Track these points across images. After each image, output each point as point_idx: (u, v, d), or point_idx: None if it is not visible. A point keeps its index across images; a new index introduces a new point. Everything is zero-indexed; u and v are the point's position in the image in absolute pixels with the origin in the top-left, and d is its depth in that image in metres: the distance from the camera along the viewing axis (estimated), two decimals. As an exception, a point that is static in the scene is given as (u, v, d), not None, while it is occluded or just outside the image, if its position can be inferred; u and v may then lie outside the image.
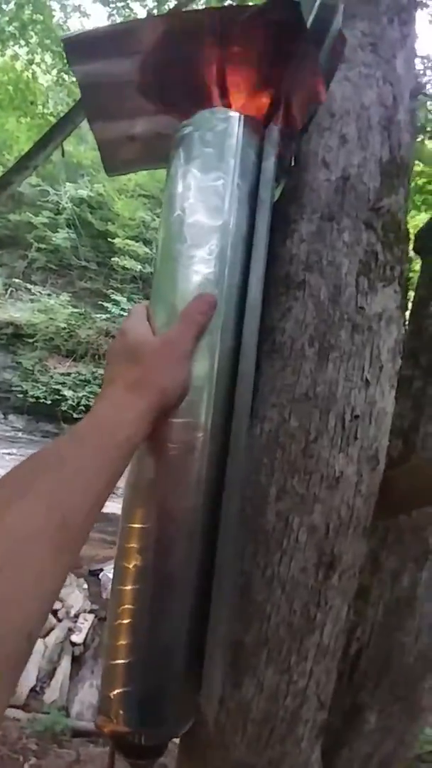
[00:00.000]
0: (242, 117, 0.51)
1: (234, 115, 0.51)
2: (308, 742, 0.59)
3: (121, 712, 0.48)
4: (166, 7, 5.09)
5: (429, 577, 0.81)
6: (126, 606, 0.47)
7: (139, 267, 8.41)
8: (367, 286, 0.52)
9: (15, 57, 5.44)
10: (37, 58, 5.32)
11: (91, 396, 7.77)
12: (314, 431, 0.49)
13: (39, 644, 3.24)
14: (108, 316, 8.12)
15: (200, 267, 0.47)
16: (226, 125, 0.51)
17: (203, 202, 0.48)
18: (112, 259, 8.60)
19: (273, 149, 0.50)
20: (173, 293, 0.47)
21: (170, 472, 0.45)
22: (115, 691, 0.48)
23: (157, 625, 0.46)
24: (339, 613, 0.51)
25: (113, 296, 8.22)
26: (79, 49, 0.57)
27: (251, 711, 0.51)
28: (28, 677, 2.94)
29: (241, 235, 0.50)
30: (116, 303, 8.12)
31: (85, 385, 7.89)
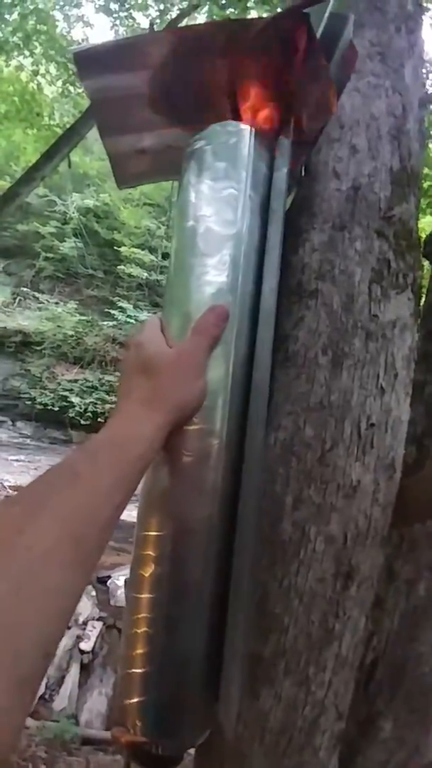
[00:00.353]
0: (253, 130, 0.52)
1: (245, 128, 0.52)
2: (326, 752, 0.58)
3: (138, 722, 0.48)
4: (168, 16, 5.17)
5: (443, 587, 0.80)
6: (142, 615, 0.47)
7: (145, 274, 8.49)
8: (380, 294, 0.52)
9: (20, 68, 5.54)
10: (42, 69, 5.42)
11: (98, 402, 7.81)
12: (330, 440, 0.49)
13: (48, 652, 3.23)
14: (115, 323, 8.18)
15: (214, 276, 0.48)
16: (237, 138, 0.51)
17: (216, 213, 0.49)
18: (119, 267, 8.68)
19: (284, 161, 0.50)
20: (187, 302, 0.48)
21: (185, 480, 0.45)
22: (132, 701, 0.48)
23: (174, 634, 0.46)
24: (357, 624, 0.51)
25: (120, 303, 8.29)
26: (89, 63, 0.58)
27: (269, 721, 0.50)
28: (38, 685, 2.93)
29: (254, 244, 0.50)
30: (123, 310, 8.18)
31: (92, 392, 7.93)
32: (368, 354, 0.51)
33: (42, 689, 3.00)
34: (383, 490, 0.50)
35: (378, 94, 0.58)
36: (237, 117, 0.55)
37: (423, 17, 0.75)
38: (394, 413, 0.52)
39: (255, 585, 0.48)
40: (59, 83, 5.55)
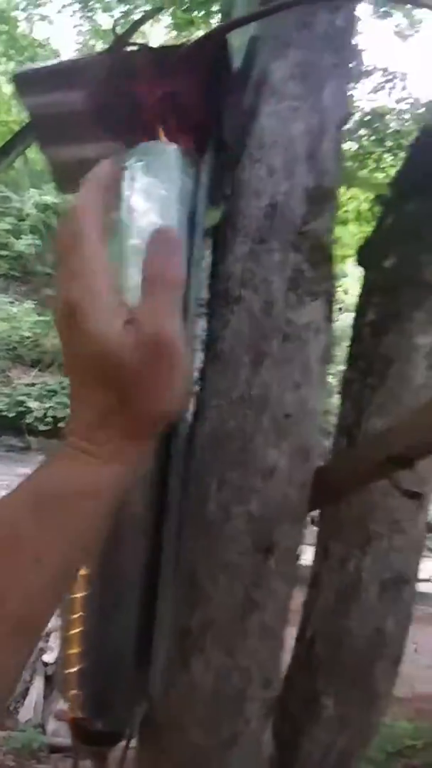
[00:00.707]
0: (179, 149, 0.57)
1: (172, 146, 0.57)
2: (258, 722, 0.64)
3: (77, 698, 0.51)
4: (132, 18, 5.15)
5: (372, 563, 0.89)
6: (77, 614, 0.50)
7: (107, 274, 8.36)
8: (295, 301, 0.59)
9: (-22, 66, 5.34)
10: (1, 68, 5.24)
11: (59, 407, 7.58)
12: (250, 430, 0.55)
13: (7, 665, 3.13)
14: (75, 324, 8.00)
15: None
16: (165, 156, 0.56)
17: (146, 229, 0.54)
18: (79, 266, 8.50)
19: (207, 178, 0.56)
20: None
21: None
22: (72, 676, 0.51)
23: (108, 614, 0.50)
24: (279, 594, 0.57)
25: (80, 304, 8.11)
26: (29, 82, 0.61)
27: (199, 691, 0.55)
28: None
29: (183, 254, 0.55)
30: (83, 311, 8.02)
31: (52, 396, 7.70)
32: (285, 353, 0.57)
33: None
34: (298, 472, 0.57)
35: (296, 116, 0.64)
36: (166, 135, 0.60)
37: (356, 30, 0.79)
38: (308, 405, 0.58)
39: (182, 563, 0.53)
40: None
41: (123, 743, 0.61)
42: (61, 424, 7.30)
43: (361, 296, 1.01)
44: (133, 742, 0.65)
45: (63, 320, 0.26)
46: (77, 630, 0.50)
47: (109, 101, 0.60)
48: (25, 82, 0.60)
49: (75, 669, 0.50)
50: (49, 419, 7.36)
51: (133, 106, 0.60)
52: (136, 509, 0.49)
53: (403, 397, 0.86)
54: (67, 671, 0.51)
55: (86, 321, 0.25)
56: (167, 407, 0.27)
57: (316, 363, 0.60)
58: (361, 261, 1.05)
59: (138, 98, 0.60)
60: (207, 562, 0.53)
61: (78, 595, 0.50)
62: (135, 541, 0.49)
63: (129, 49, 0.61)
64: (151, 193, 0.56)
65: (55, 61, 0.68)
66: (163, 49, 0.61)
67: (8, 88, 5.70)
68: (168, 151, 0.57)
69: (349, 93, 0.76)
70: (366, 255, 1.01)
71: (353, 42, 0.79)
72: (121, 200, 0.57)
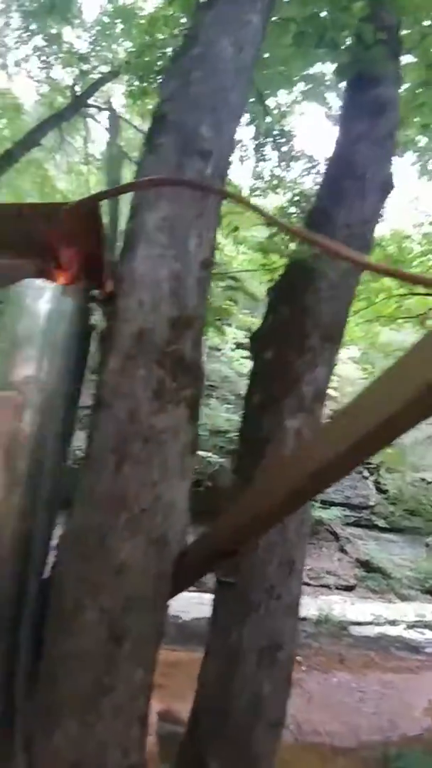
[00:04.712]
0: (61, 287, 0.70)
1: (51, 286, 0.70)
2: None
3: None
4: (91, 77, 5.46)
5: (250, 632, 0.97)
6: None
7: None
8: (158, 408, 0.70)
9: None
10: None
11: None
12: (107, 526, 0.64)
13: None
14: None
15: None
16: (47, 293, 0.69)
17: (23, 356, 0.65)
18: None
19: (83, 309, 0.69)
20: None
21: None
22: None
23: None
24: (131, 676, 0.64)
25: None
26: None
27: (61, 757, 0.59)
28: None
29: (56, 369, 0.67)
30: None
31: None
32: (146, 455, 0.68)
33: None
34: (152, 563, 0.66)
35: (162, 263, 0.78)
36: (56, 269, 0.73)
37: (221, 180, 0.95)
38: (164, 498, 0.68)
39: (42, 650, 0.59)
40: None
41: None
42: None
43: (250, 381, 1.17)
44: None
45: None
46: None
47: (18, 236, 0.73)
48: None
49: None
50: None
51: (33, 242, 0.73)
52: None
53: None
54: None
55: None
56: None
57: (177, 460, 0.71)
58: (250, 350, 1.22)
59: (38, 237, 0.73)
60: (62, 650, 0.60)
61: None
62: None
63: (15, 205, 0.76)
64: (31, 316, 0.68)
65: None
66: (54, 205, 0.76)
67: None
68: (47, 289, 0.70)
69: (210, 240, 0.90)
70: (253, 346, 1.19)
71: (219, 194, 0.94)
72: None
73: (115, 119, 5.67)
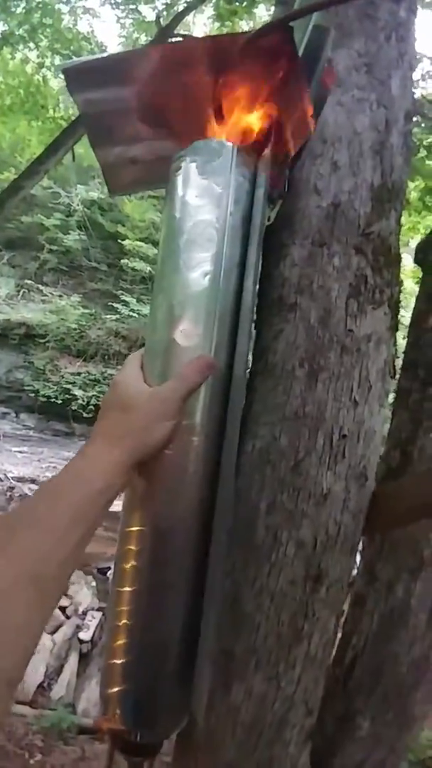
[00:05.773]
0: (235, 147, 0.53)
1: (228, 145, 0.53)
2: (296, 747, 0.61)
3: (117, 711, 0.51)
4: (175, 9, 5.11)
5: (423, 589, 0.82)
6: (123, 608, 0.49)
7: (149, 268, 8.48)
8: (356, 309, 0.54)
9: (25, 60, 5.51)
10: (47, 62, 5.38)
11: (101, 396, 7.84)
12: (303, 449, 0.51)
13: (47, 640, 3.30)
14: (118, 316, 8.20)
15: (195, 294, 0.50)
16: (220, 155, 0.53)
17: (198, 233, 0.51)
18: (122, 260, 8.68)
19: (265, 177, 0.52)
20: (167, 335, 0.50)
21: (166, 476, 0.47)
22: (112, 690, 0.51)
23: (151, 627, 0.48)
24: (326, 625, 0.53)
25: (123, 297, 8.30)
26: (78, 78, 0.60)
27: (240, 715, 0.53)
28: (36, 673, 3.00)
29: (235, 261, 0.52)
30: (126, 304, 8.19)
31: (95, 385, 7.97)
32: (343, 367, 0.53)
33: (41, 678, 3.07)
34: (354, 497, 0.52)
35: (362, 108, 0.59)
36: (222, 131, 0.56)
37: (415, 24, 0.75)
38: (366, 425, 0.54)
39: (228, 585, 0.50)
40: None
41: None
42: (102, 413, 7.58)
43: (419, 299, 0.93)
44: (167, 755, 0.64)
45: (111, 386, 0.46)
46: (121, 639, 0.50)
47: (161, 94, 0.57)
48: (74, 77, 0.58)
49: (119, 661, 0.50)
50: (91, 407, 7.63)
51: (186, 99, 0.57)
52: (186, 514, 0.47)
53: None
54: (110, 662, 0.50)
55: (119, 381, 0.45)
56: (155, 436, 0.42)
57: (376, 378, 0.55)
58: (421, 260, 0.96)
59: (191, 90, 0.56)
60: (253, 588, 0.50)
61: (126, 589, 0.49)
62: (184, 546, 0.48)
63: (184, 39, 0.57)
64: (204, 192, 0.53)
65: (104, 55, 0.66)
66: (223, 38, 0.58)
67: (55, 83, 5.84)
68: (223, 150, 0.53)
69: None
70: (426, 254, 0.93)
71: (414, 33, 0.72)
72: (174, 199, 0.55)
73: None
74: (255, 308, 0.55)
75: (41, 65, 5.39)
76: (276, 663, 0.51)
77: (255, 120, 0.53)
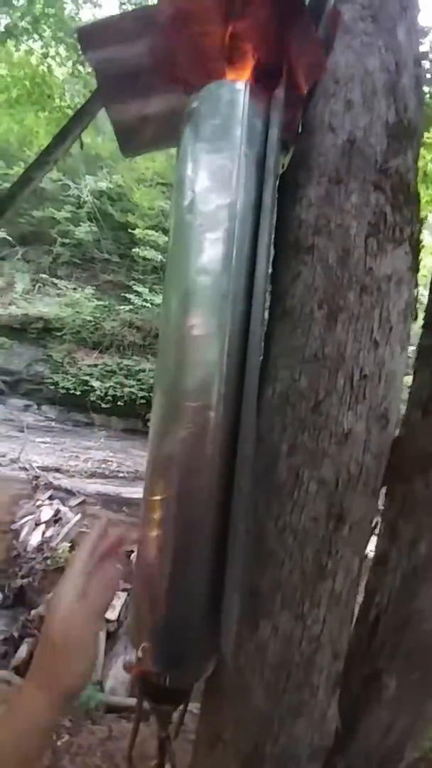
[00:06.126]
0: (247, 87, 0.52)
1: (239, 86, 0.52)
2: (324, 693, 0.62)
3: (147, 652, 0.52)
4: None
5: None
6: (151, 551, 0.51)
7: (160, 257, 8.46)
8: (376, 248, 0.53)
9: (30, 52, 5.48)
10: (52, 51, 5.34)
11: (117, 386, 7.95)
12: (323, 390, 0.51)
13: (75, 620, 3.42)
14: (131, 307, 8.24)
15: (210, 257, 0.50)
16: (232, 96, 0.52)
17: (212, 181, 0.50)
18: (133, 250, 8.68)
19: (278, 116, 0.51)
20: (185, 282, 0.50)
21: (186, 449, 0.49)
22: (143, 636, 0.53)
23: (179, 571, 0.50)
24: (350, 564, 0.54)
25: (135, 288, 8.32)
26: (91, 37, 0.60)
27: (268, 655, 0.54)
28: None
29: (250, 203, 0.51)
30: (138, 294, 8.22)
31: (112, 376, 8.07)
32: (363, 308, 0.52)
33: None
34: (375, 439, 0.52)
35: (371, 51, 0.57)
36: (233, 76, 0.56)
37: None
38: (387, 366, 0.53)
39: (252, 523, 0.51)
40: (69, 64, 5.49)
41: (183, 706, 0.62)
42: (119, 403, 7.68)
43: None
44: (194, 707, 0.66)
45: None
46: (149, 582, 0.51)
47: (174, 45, 0.57)
48: (87, 37, 0.58)
49: (147, 622, 0.51)
50: (109, 398, 7.75)
51: (198, 48, 0.56)
52: (208, 469, 0.48)
53: None
54: (139, 609, 0.52)
55: (53, 604, 0.45)
56: (73, 679, 0.44)
57: (398, 319, 0.54)
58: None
59: (203, 39, 0.55)
60: (276, 526, 0.51)
61: (150, 549, 0.50)
62: (207, 500, 0.49)
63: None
64: (215, 136, 0.52)
65: (116, 14, 0.66)
66: None
67: (60, 72, 5.81)
68: (234, 90, 0.52)
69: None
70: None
71: None
72: (187, 149, 0.54)
73: None
74: (271, 258, 0.55)
75: (45, 55, 5.36)
76: (301, 600, 0.52)
77: (266, 63, 0.52)
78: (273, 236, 0.53)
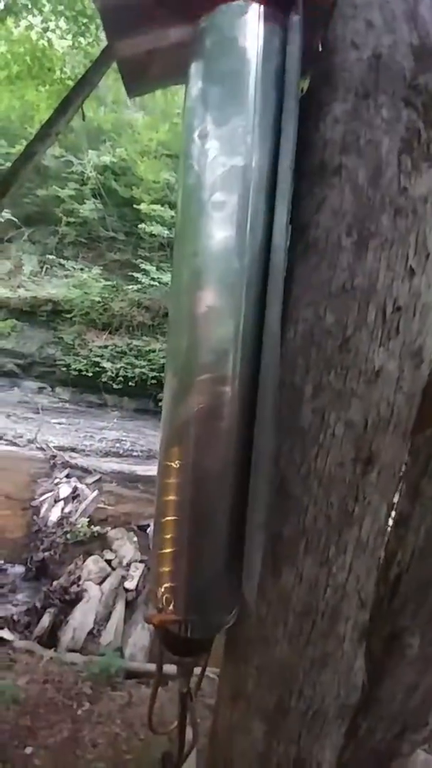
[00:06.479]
0: (262, 6, 0.47)
1: (253, 4, 0.47)
2: (351, 644, 0.60)
3: (169, 601, 0.51)
4: None
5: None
6: (170, 498, 0.49)
7: (166, 232, 8.29)
8: (410, 166, 0.47)
9: (30, 27, 5.29)
10: (52, 26, 5.15)
11: (128, 367, 7.97)
12: (352, 325, 0.47)
13: (95, 590, 3.54)
14: (139, 286, 8.15)
15: (221, 227, 0.47)
16: (246, 13, 0.47)
17: (222, 111, 0.46)
18: (139, 226, 8.51)
19: (296, 35, 0.46)
20: (196, 257, 0.47)
21: (202, 420, 0.47)
22: (164, 585, 0.51)
23: (200, 516, 0.48)
24: (378, 511, 0.51)
25: (143, 266, 8.20)
26: None
27: (291, 602, 0.52)
28: (86, 622, 3.24)
29: (269, 121, 0.47)
30: (146, 273, 8.11)
31: (122, 357, 8.08)
32: (397, 232, 0.47)
33: (91, 625, 3.30)
34: (408, 377, 0.48)
35: None
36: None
37: None
38: (423, 297, 0.49)
39: (275, 469, 0.49)
40: (69, 36, 5.28)
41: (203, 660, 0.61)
42: (131, 383, 7.71)
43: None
44: (212, 672, 0.65)
45: None
46: (170, 533, 0.50)
47: None
48: None
49: (168, 569, 0.50)
50: (120, 379, 7.78)
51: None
52: (229, 414, 0.45)
53: None
54: (160, 555, 0.51)
55: None
56: None
57: (435, 246, 0.49)
58: None
59: None
60: (300, 471, 0.48)
61: (171, 498, 0.48)
62: (228, 445, 0.46)
63: None
64: (229, 56, 0.47)
65: None
66: None
67: (60, 45, 5.60)
68: (248, 8, 0.47)
69: None
70: None
71: None
72: (199, 68, 0.49)
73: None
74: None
75: (46, 29, 5.16)
76: (326, 547, 0.50)
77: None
78: (294, 166, 0.48)
